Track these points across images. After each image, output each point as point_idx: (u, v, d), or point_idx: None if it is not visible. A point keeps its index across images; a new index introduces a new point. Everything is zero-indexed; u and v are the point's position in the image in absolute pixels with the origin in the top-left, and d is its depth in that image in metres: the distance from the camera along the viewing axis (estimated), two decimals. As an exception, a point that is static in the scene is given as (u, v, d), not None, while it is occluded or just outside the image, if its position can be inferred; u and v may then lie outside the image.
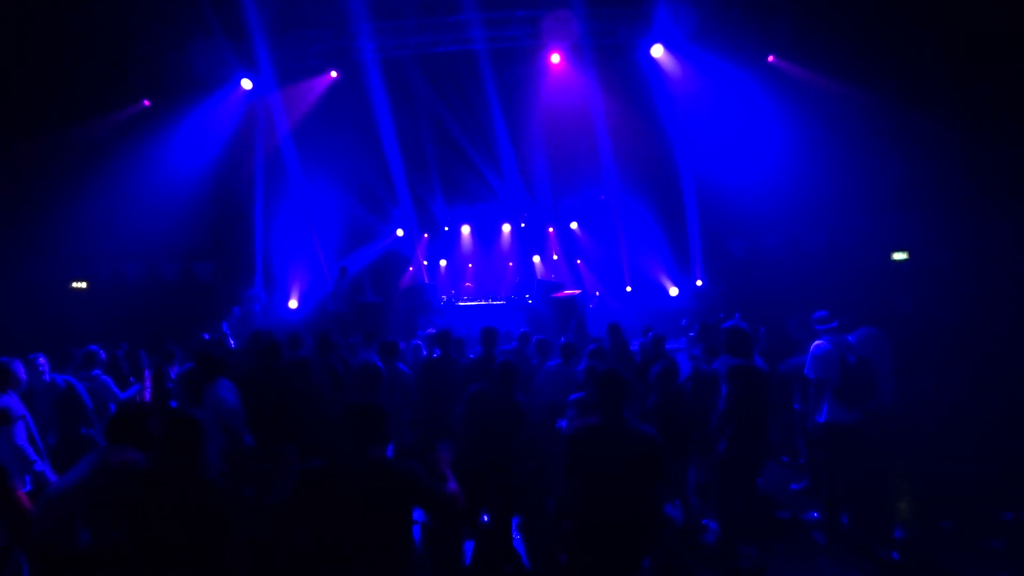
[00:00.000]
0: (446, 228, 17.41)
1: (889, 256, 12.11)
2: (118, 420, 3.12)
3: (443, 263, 17.26)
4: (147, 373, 6.45)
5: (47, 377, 5.21)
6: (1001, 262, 10.44)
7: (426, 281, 15.04)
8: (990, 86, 9.90)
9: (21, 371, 4.54)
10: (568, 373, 5.51)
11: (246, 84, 12.52)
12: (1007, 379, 8.31)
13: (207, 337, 7.18)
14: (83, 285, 12.93)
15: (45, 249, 11.97)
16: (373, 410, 2.81)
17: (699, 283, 13.97)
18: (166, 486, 2.64)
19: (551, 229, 17.26)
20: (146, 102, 12.43)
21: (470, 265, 17.10)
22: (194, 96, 12.30)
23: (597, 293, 15.11)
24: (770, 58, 12.07)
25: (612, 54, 12.55)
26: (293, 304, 13.59)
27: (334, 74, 13.15)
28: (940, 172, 10.64)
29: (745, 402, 4.49)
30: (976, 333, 9.63)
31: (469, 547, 4.73)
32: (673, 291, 14.25)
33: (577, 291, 12.55)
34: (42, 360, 5.20)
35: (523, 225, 17.39)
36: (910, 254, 11.99)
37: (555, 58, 12.82)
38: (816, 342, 5.08)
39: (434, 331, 8.78)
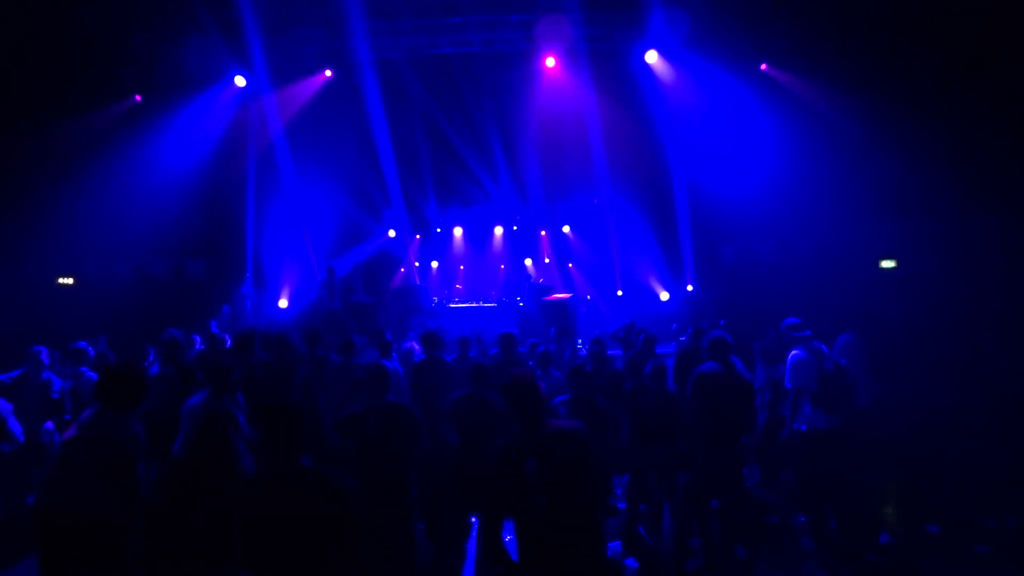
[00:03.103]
0: (438, 229, 17.40)
1: (878, 264, 12.22)
2: (110, 383, 3.22)
3: (435, 264, 17.24)
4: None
5: (45, 374, 5.27)
6: (987, 270, 10.57)
7: (418, 282, 15.02)
8: (978, 96, 10.02)
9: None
10: (548, 380, 5.54)
11: (240, 81, 12.47)
12: (993, 386, 8.40)
13: (197, 339, 7.03)
14: (69, 281, 12.79)
15: (33, 245, 11.84)
16: (296, 412, 2.67)
17: (690, 288, 14.04)
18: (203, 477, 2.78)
19: (543, 232, 17.29)
20: (138, 97, 12.35)
21: (462, 267, 17.10)
22: (187, 92, 12.23)
23: (588, 297, 15.14)
24: (763, 66, 12.18)
25: (607, 59, 12.60)
26: (283, 303, 13.52)
27: (328, 73, 13.12)
28: (928, 181, 10.76)
29: (712, 408, 4.54)
30: (962, 340, 9.73)
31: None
32: (664, 296, 14.31)
33: (568, 295, 12.58)
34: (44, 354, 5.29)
35: (515, 228, 17.41)
36: (898, 262, 12.10)
37: (550, 62, 12.86)
38: (792, 351, 5.11)
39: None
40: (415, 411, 4.17)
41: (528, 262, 16.84)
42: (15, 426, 4.45)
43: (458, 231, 17.71)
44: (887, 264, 12.17)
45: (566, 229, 17.21)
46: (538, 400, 2.71)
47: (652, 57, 12.45)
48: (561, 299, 11.65)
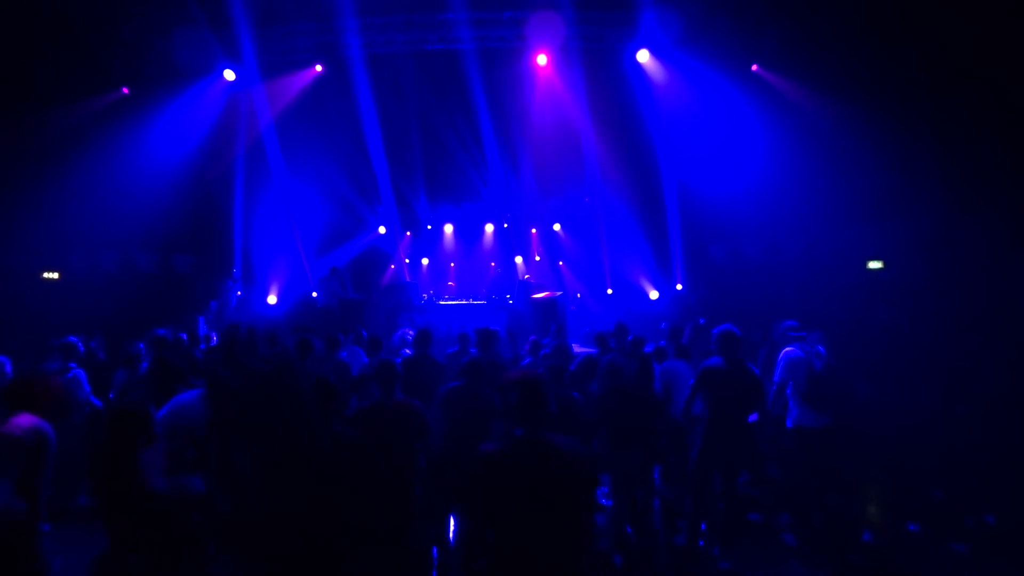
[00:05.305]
0: (429, 226, 17.38)
1: (865, 265, 12.32)
2: (15, 388, 3.13)
3: (425, 261, 17.22)
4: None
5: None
6: (973, 272, 10.68)
7: (408, 279, 14.99)
8: (965, 99, 10.13)
9: None
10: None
11: (229, 75, 12.36)
12: (977, 388, 8.51)
13: (184, 337, 6.98)
14: (55, 275, 12.63)
15: (18, 237, 11.68)
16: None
17: (679, 287, 14.10)
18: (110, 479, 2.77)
19: (534, 230, 17.32)
20: (125, 89, 12.21)
21: (452, 264, 17.09)
22: (175, 85, 12.11)
23: (578, 295, 15.18)
24: (754, 67, 12.24)
25: (599, 57, 12.62)
26: (272, 300, 13.44)
27: (319, 68, 13.04)
28: (915, 184, 10.86)
29: (719, 404, 4.62)
30: (948, 342, 9.84)
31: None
32: (653, 295, 14.37)
33: (558, 292, 12.60)
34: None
35: (506, 225, 17.42)
36: (885, 264, 12.20)
37: (542, 60, 12.86)
38: (786, 349, 5.19)
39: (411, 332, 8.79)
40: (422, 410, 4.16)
41: (519, 260, 16.86)
42: None
43: (449, 228, 17.70)
44: (874, 265, 12.27)
45: (557, 227, 17.24)
46: (544, 407, 2.47)
47: (644, 56, 12.47)
48: (551, 297, 11.68)
